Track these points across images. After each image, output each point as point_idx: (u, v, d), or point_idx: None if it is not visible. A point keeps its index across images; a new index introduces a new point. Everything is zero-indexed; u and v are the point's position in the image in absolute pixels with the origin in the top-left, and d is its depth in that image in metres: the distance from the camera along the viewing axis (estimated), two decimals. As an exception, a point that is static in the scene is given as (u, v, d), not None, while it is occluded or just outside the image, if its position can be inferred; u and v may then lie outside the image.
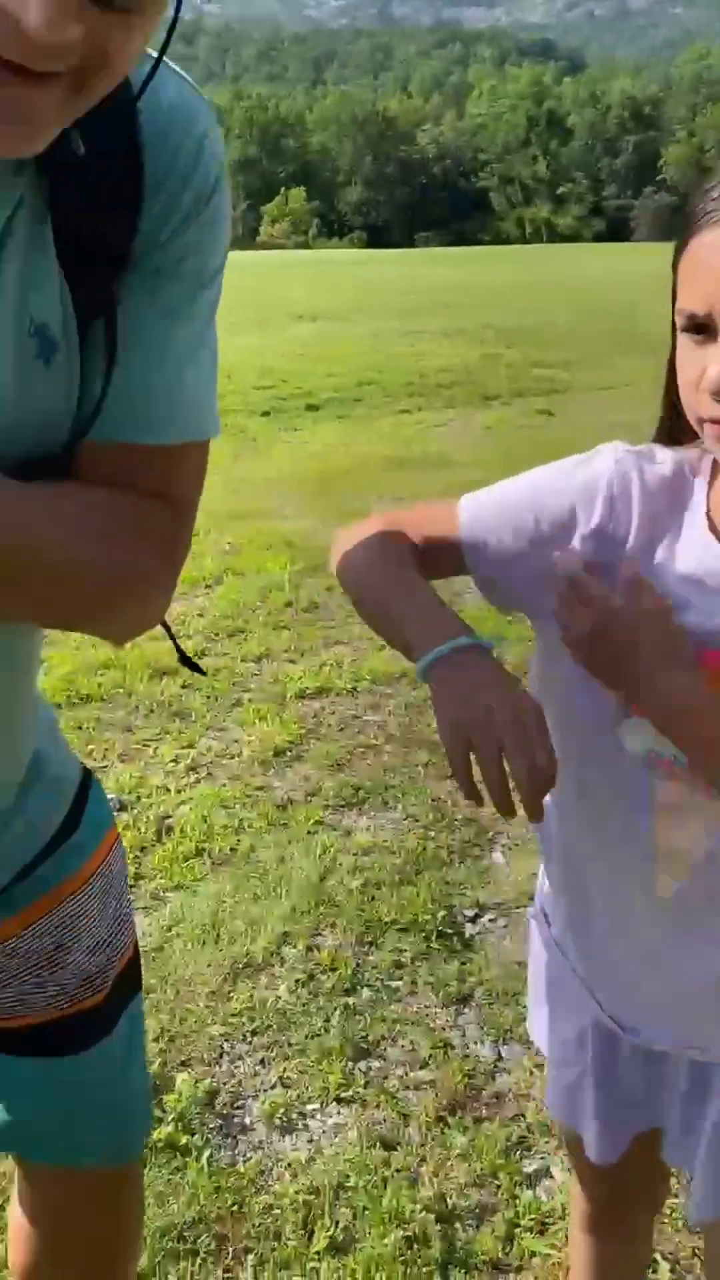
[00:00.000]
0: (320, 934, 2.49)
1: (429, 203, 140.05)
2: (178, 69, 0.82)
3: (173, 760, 3.27)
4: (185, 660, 1.00)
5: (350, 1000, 2.27)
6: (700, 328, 0.84)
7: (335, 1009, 2.23)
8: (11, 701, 0.91)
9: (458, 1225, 1.74)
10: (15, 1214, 1.20)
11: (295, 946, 2.43)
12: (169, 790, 3.07)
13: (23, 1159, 1.15)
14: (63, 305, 0.78)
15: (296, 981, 2.32)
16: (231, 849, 2.84)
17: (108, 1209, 1.17)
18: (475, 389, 10.36)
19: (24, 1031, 1.05)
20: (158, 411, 0.82)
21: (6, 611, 0.76)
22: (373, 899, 2.60)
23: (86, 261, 0.78)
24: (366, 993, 2.28)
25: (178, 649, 1.00)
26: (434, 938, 2.45)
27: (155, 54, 0.75)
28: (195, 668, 1.01)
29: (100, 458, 0.81)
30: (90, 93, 0.63)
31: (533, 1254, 1.68)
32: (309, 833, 2.89)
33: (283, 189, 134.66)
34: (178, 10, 0.69)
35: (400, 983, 2.31)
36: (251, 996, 2.28)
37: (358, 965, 2.36)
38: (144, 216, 0.79)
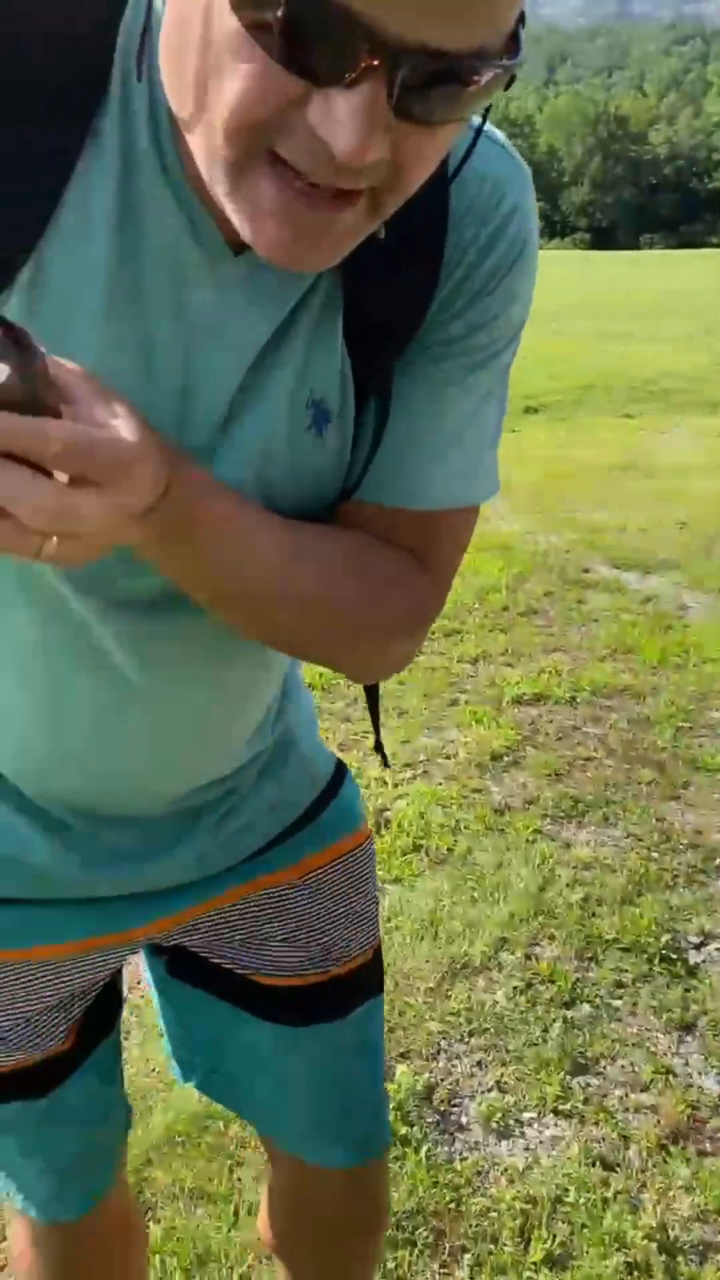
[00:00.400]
0: (538, 944, 2.47)
1: (657, 204, 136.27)
2: (492, 131, 0.81)
3: (390, 754, 3.32)
4: (379, 749, 1.07)
5: (569, 1013, 2.25)
6: None
7: (554, 1020, 2.21)
8: (254, 680, 0.97)
9: (680, 1259, 1.70)
10: (265, 1189, 1.29)
11: (513, 953, 2.43)
12: (386, 783, 3.12)
13: (271, 1144, 1.22)
14: (342, 379, 0.80)
15: (514, 988, 2.32)
16: (449, 849, 2.86)
17: (353, 1198, 1.22)
18: (702, 395, 10.02)
19: (276, 992, 1.12)
20: (425, 479, 0.84)
21: (252, 631, 0.81)
22: (593, 915, 2.56)
23: (371, 338, 0.80)
24: (586, 1008, 2.26)
25: (377, 739, 1.07)
26: (656, 961, 2.39)
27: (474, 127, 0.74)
28: (384, 759, 1.11)
29: (363, 514, 0.84)
30: (388, 207, 0.65)
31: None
32: (528, 841, 2.87)
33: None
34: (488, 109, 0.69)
35: (620, 1002, 2.27)
36: (469, 998, 2.29)
37: (577, 980, 2.34)
38: (437, 296, 0.81)
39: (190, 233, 0.73)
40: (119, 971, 1.13)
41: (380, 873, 2.75)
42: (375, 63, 0.55)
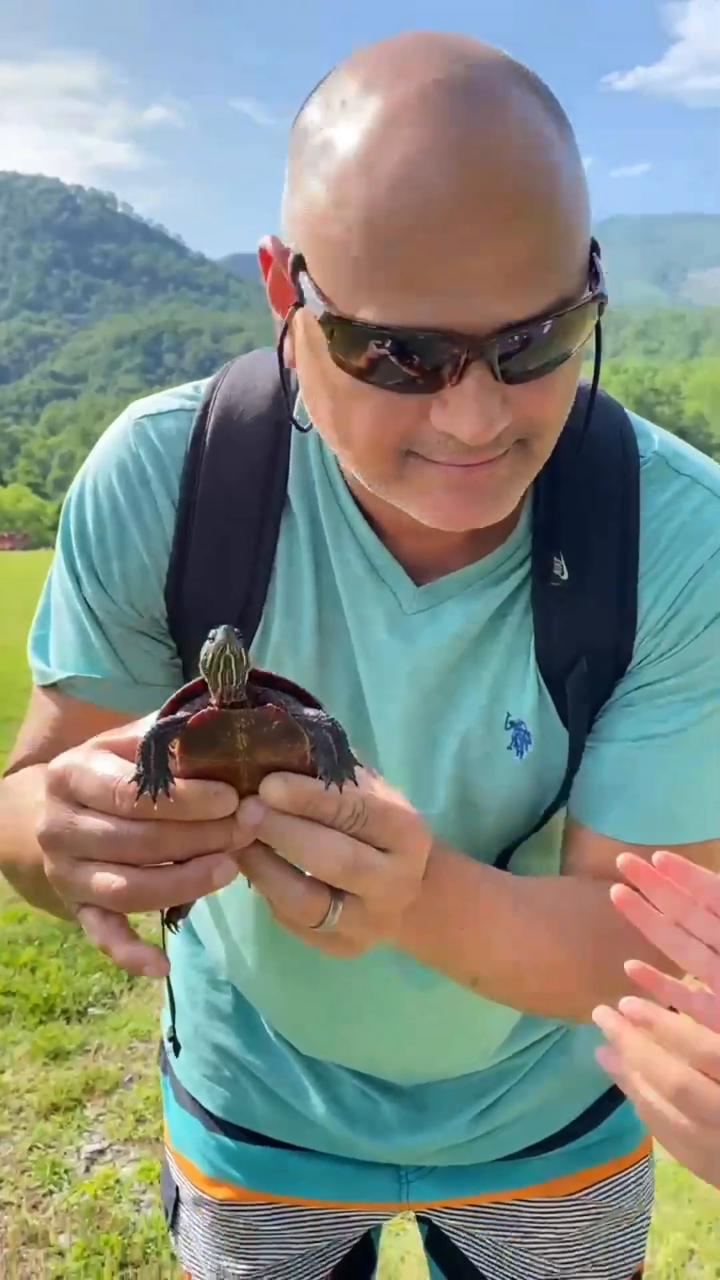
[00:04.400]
0: (732, 1257, 2.23)
1: None
2: (695, 476, 0.87)
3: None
4: None
5: None
6: None
7: None
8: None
9: None
10: None
11: (702, 1268, 2.19)
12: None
13: None
14: (541, 708, 0.87)
15: (714, 1314, 2.07)
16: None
17: None
18: None
19: None
20: (677, 809, 0.87)
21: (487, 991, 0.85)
22: None
23: (565, 678, 0.85)
24: None
25: None
26: None
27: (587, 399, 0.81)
28: None
29: (590, 845, 0.87)
30: (539, 448, 0.72)
31: None
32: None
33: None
34: (598, 356, 0.76)
35: None
36: (656, 1323, 2.06)
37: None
38: (634, 644, 0.85)
39: (375, 577, 0.86)
40: (377, 1230, 1.20)
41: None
42: (469, 357, 0.64)
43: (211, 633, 0.59)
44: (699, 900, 0.67)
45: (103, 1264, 2.26)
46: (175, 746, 0.60)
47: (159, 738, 0.59)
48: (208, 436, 0.86)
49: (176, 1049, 1.07)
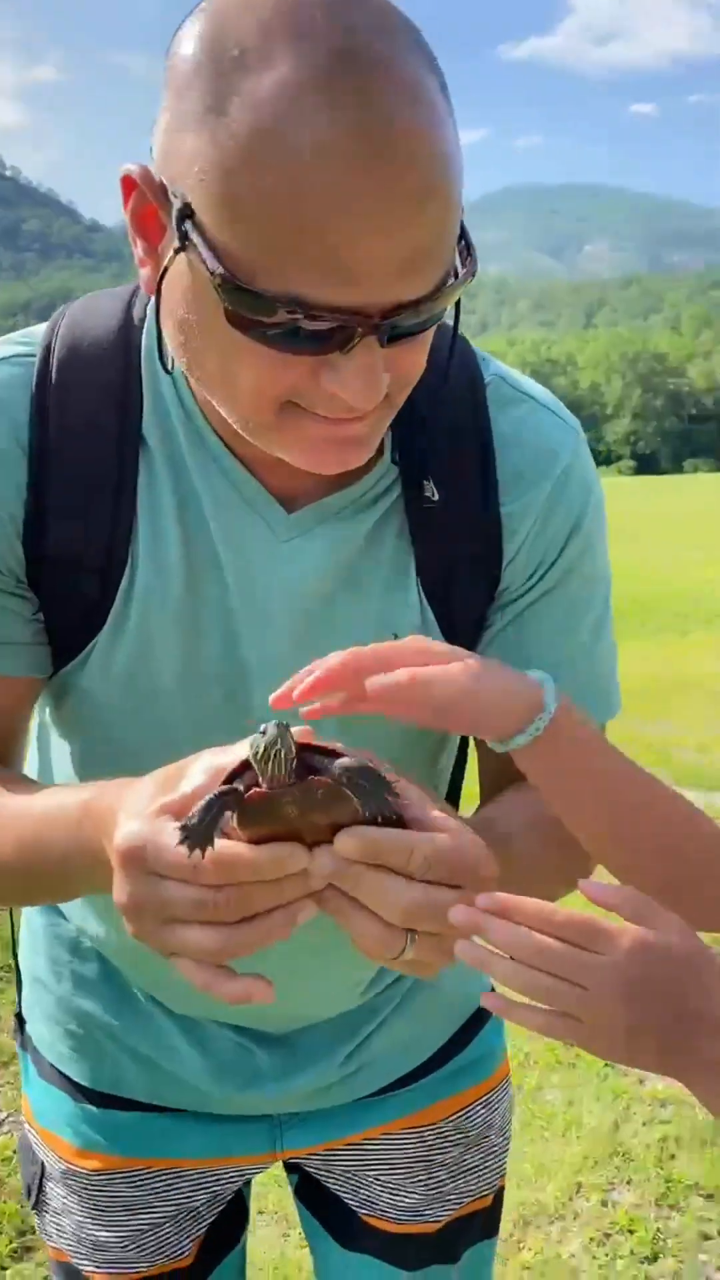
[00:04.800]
0: (615, 1189, 2.36)
1: (698, 431, 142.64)
2: (536, 396, 0.96)
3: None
4: None
5: (651, 1270, 2.12)
6: None
7: (635, 1277, 2.08)
8: None
9: None
10: None
11: (589, 1200, 2.31)
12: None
13: None
14: (425, 625, 0.92)
15: (591, 1239, 2.20)
16: (518, 1085, 2.75)
17: None
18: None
19: (387, 1236, 1.15)
20: None
21: None
22: (673, 1157, 2.45)
23: (448, 594, 0.92)
24: (670, 1262, 2.13)
25: None
26: (746, 1209, 2.25)
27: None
28: None
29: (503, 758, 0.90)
30: (402, 400, 0.78)
31: None
32: (599, 1076, 2.76)
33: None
34: (458, 303, 0.80)
35: (707, 1256, 2.13)
36: (544, 1249, 2.17)
37: (658, 1230, 2.21)
38: (504, 561, 0.92)
39: (244, 505, 0.83)
40: (247, 1184, 1.20)
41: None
42: (364, 332, 0.68)
43: (263, 727, 0.63)
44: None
45: (0, 1232, 2.29)
46: (233, 820, 0.64)
47: (210, 808, 0.64)
48: (53, 378, 0.86)
49: (21, 1025, 1.11)
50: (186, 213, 0.67)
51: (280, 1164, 1.20)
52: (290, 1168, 1.22)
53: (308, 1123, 1.13)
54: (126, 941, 0.99)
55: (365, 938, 0.68)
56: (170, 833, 0.64)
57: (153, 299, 0.78)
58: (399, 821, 0.67)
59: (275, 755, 0.63)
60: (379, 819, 0.66)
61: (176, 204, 0.68)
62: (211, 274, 0.67)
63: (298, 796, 0.64)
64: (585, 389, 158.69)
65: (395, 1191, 1.16)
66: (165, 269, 0.71)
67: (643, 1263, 2.21)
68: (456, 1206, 1.17)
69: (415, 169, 0.65)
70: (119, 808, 0.72)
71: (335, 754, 0.66)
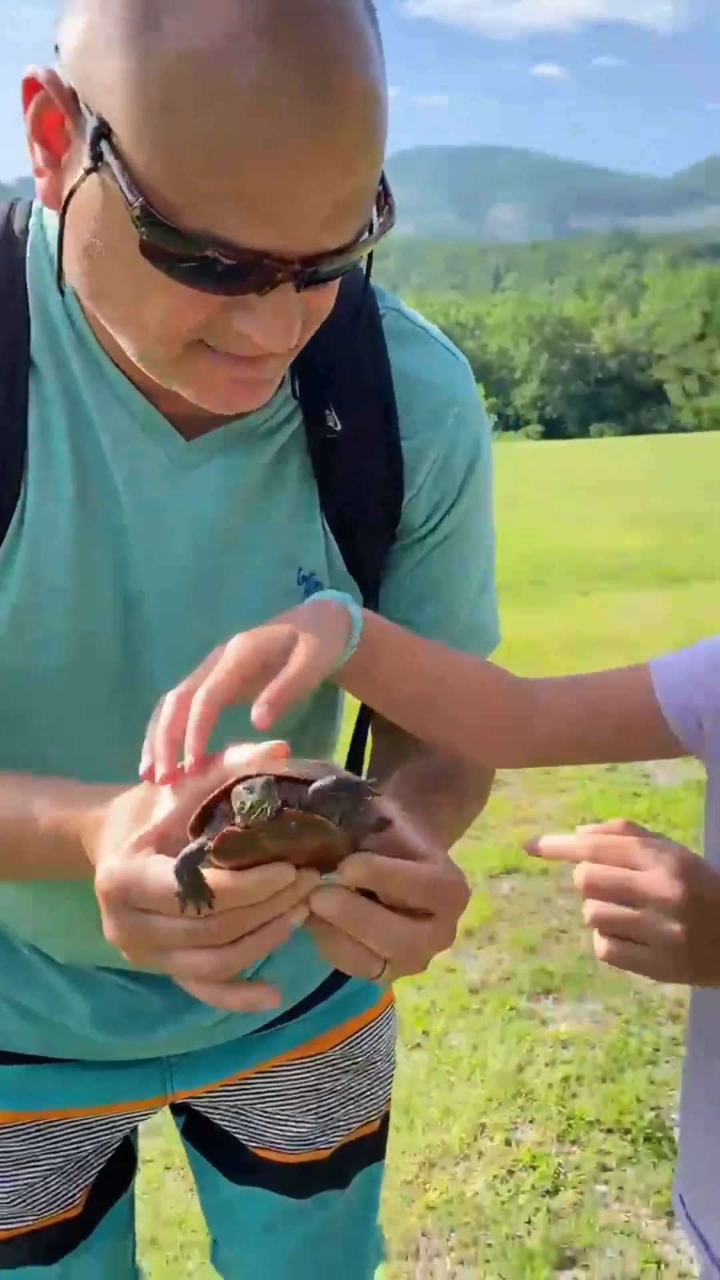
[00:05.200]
0: (518, 1128, 2.41)
1: (604, 395, 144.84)
2: (429, 330, 0.96)
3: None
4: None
5: (552, 1202, 2.18)
6: None
7: (537, 1210, 2.16)
8: None
9: None
10: None
11: (493, 1139, 2.36)
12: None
13: None
14: (330, 558, 0.92)
15: (495, 1177, 2.26)
16: (424, 1031, 2.80)
17: None
18: (658, 572, 10.36)
19: (279, 1167, 1.17)
20: (462, 648, 0.98)
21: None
22: (574, 1095, 2.52)
23: (352, 526, 0.92)
24: (570, 1195, 2.19)
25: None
26: (641, 1141, 2.35)
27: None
28: None
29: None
30: (302, 342, 0.77)
31: None
32: (504, 1020, 2.82)
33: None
34: (369, 265, 0.81)
35: (606, 1187, 2.21)
36: (449, 1189, 2.22)
37: (559, 1165, 2.28)
38: (405, 497, 0.94)
39: (140, 431, 0.81)
40: (134, 1131, 1.20)
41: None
42: (284, 277, 0.67)
43: (250, 784, 0.63)
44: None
45: None
46: (211, 857, 0.64)
47: (188, 865, 0.63)
48: None
49: None
50: (103, 133, 0.65)
51: (168, 1108, 1.20)
52: (177, 1109, 1.23)
53: (197, 1062, 1.13)
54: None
55: (347, 962, 0.70)
56: (153, 869, 0.65)
57: (53, 216, 0.75)
58: (377, 826, 0.69)
59: (263, 809, 0.63)
60: (359, 832, 0.67)
61: (92, 122, 0.65)
62: (130, 203, 0.64)
63: (272, 831, 0.64)
64: (494, 353, 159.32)
65: (286, 1122, 1.18)
66: (73, 190, 0.68)
67: (544, 1196, 2.28)
68: (346, 1132, 1.20)
69: (355, 116, 0.64)
70: (94, 845, 0.73)
71: (308, 781, 0.65)
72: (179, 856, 0.63)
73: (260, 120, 0.61)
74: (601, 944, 0.79)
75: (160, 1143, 2.39)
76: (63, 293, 0.81)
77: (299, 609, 0.81)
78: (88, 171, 0.66)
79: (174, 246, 0.65)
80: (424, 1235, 2.20)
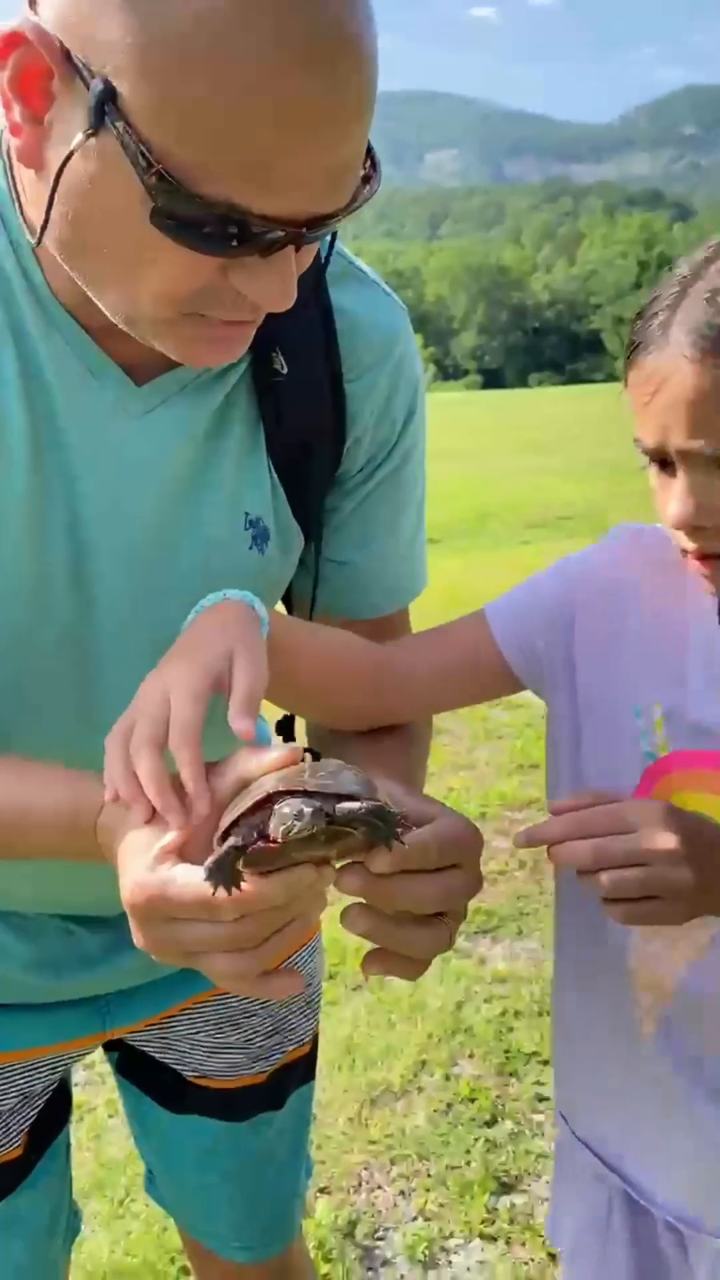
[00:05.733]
0: (458, 1063, 2.47)
1: (542, 345, 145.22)
2: (367, 272, 0.97)
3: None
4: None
5: (491, 1132, 2.24)
6: (661, 461, 0.89)
7: (475, 1141, 2.22)
8: None
9: None
10: None
11: (433, 1075, 2.42)
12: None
13: (195, 1248, 1.34)
14: (275, 501, 0.93)
15: (435, 1111, 2.32)
16: (365, 977, 2.83)
17: None
18: (597, 521, 10.45)
19: (217, 1093, 1.21)
20: (385, 593, 1.04)
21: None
22: (511, 1029, 2.57)
23: (297, 469, 0.93)
24: (508, 1125, 2.26)
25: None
26: (575, 1070, 2.38)
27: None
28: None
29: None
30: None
31: None
32: (443, 960, 2.87)
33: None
34: (333, 240, 0.83)
35: (542, 1116, 2.27)
36: (390, 1124, 2.27)
37: (497, 1097, 2.34)
38: (347, 441, 0.95)
39: (91, 377, 0.80)
40: (69, 1070, 1.22)
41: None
42: (285, 240, 0.69)
43: (300, 810, 0.65)
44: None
45: None
46: (240, 862, 0.66)
47: (221, 864, 0.65)
48: None
49: None
50: (108, 96, 0.64)
51: (102, 1051, 1.22)
52: (111, 1046, 1.24)
53: (133, 999, 1.15)
54: None
55: (420, 947, 0.74)
56: (180, 877, 0.67)
57: (10, 168, 0.74)
58: (396, 827, 0.70)
59: (303, 832, 0.65)
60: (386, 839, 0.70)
61: (96, 84, 0.64)
62: (143, 169, 0.65)
63: (302, 845, 0.66)
64: (431, 302, 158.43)
65: (221, 1050, 1.20)
66: (72, 151, 0.67)
67: (482, 1126, 2.34)
68: (281, 1055, 1.23)
69: (359, 82, 0.66)
70: (112, 844, 0.74)
71: (335, 795, 0.68)
72: (212, 858, 0.65)
73: (278, 91, 0.62)
74: (617, 909, 0.82)
75: (105, 1091, 2.41)
76: (38, 243, 0.77)
77: (216, 613, 0.83)
78: (88, 134, 0.65)
79: (187, 212, 0.66)
80: (366, 1169, 2.25)
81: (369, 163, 0.72)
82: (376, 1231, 2.12)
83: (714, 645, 0.93)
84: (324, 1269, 2.00)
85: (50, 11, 0.67)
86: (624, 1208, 1.05)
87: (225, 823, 0.69)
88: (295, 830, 0.64)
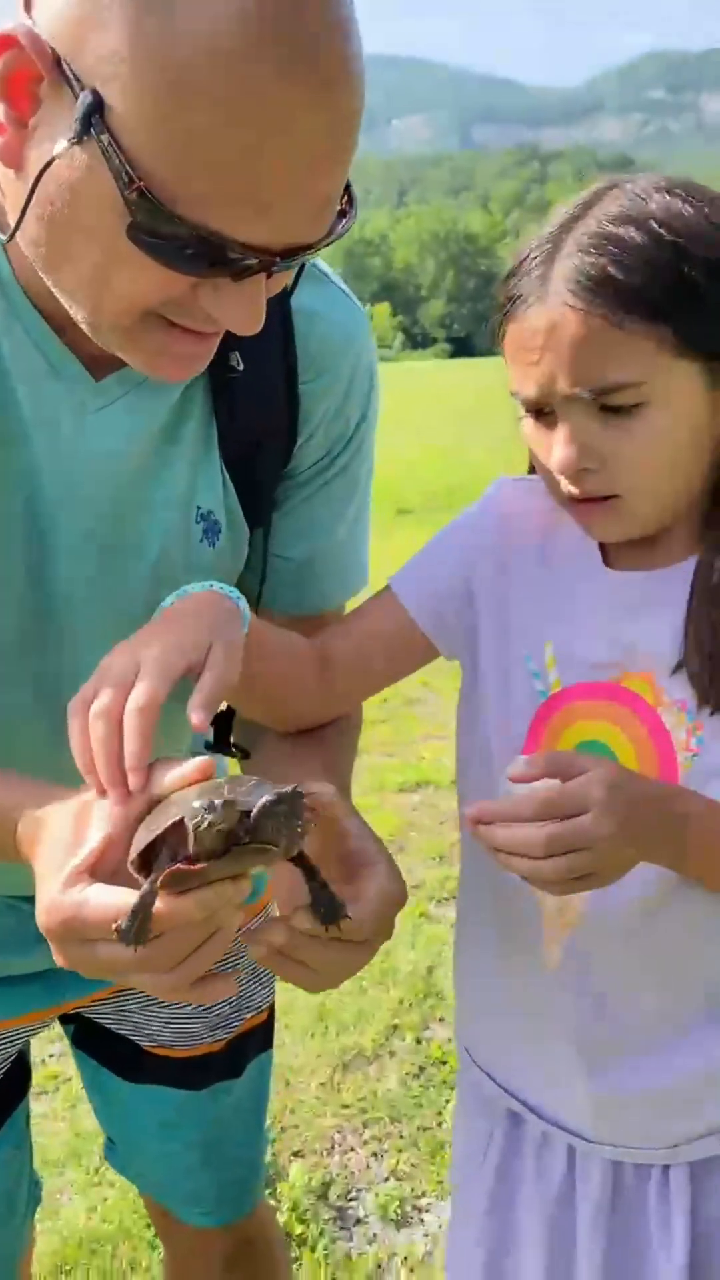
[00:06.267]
0: (429, 1027, 2.50)
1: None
2: (328, 272, 0.97)
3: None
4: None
5: (461, 1092, 2.24)
6: (538, 411, 0.91)
7: (446, 1102, 2.23)
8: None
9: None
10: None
11: (404, 1039, 2.44)
12: (274, 880, 3.17)
13: (162, 1213, 1.35)
14: (226, 496, 0.94)
15: (407, 1074, 2.34)
16: (337, 939, 2.85)
17: (236, 1267, 1.33)
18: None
19: (175, 1063, 1.22)
20: (328, 589, 1.05)
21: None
22: (480, 991, 2.57)
23: (249, 468, 0.94)
24: (477, 1086, 2.26)
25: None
26: (543, 1031, 2.42)
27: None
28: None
29: (281, 625, 1.00)
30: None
31: None
32: (414, 926, 2.89)
33: (368, 305, 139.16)
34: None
35: (512, 1075, 2.28)
36: (362, 1088, 2.30)
37: (468, 1058, 2.34)
38: (299, 441, 0.96)
39: (51, 370, 0.80)
40: (27, 1043, 1.23)
41: (267, 970, 2.73)
42: (260, 267, 0.70)
43: (213, 803, 0.64)
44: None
45: None
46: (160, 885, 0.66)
47: (142, 907, 0.65)
48: None
49: None
50: (96, 109, 0.65)
51: (59, 1023, 1.23)
52: (67, 1019, 1.26)
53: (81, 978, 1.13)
54: None
55: (342, 970, 0.77)
56: (94, 899, 0.67)
57: None
58: (303, 830, 0.70)
59: (216, 831, 0.64)
60: (295, 842, 0.69)
61: (85, 96, 0.65)
62: (125, 184, 0.65)
63: (222, 865, 0.65)
64: (399, 270, 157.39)
65: (178, 1020, 1.21)
66: (54, 157, 0.67)
67: (453, 1088, 2.37)
68: (239, 1023, 1.24)
69: (350, 122, 0.67)
70: (30, 852, 0.75)
71: (246, 810, 0.67)
72: (135, 902, 0.65)
73: (280, 126, 0.63)
74: (555, 888, 0.83)
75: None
76: (9, 240, 0.78)
77: (202, 602, 0.84)
78: (72, 142, 0.66)
79: (164, 230, 0.66)
80: (339, 1132, 2.29)
81: (346, 198, 0.73)
82: (349, 1192, 2.15)
83: (594, 585, 0.97)
84: (298, 1230, 2.03)
85: (46, 15, 0.67)
86: (514, 1131, 1.08)
87: (140, 841, 0.68)
88: (205, 824, 0.63)
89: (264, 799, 0.65)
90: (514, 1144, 1.09)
